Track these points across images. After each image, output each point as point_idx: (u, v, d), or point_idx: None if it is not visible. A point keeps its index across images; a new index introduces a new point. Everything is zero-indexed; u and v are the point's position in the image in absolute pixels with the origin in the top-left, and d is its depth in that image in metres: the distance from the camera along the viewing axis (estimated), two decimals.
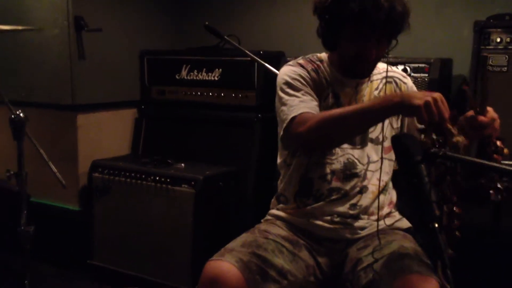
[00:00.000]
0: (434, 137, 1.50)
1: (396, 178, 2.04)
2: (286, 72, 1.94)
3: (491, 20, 2.65)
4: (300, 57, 2.01)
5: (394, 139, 1.55)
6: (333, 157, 1.93)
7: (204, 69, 3.42)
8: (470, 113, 1.58)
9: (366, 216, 1.95)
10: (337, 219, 1.93)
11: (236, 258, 1.74)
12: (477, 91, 1.59)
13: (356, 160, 1.94)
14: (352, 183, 1.93)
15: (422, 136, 1.52)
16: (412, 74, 2.76)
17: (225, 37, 2.73)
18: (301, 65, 1.95)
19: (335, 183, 1.93)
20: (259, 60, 2.70)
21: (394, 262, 1.72)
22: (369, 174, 1.95)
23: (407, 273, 1.64)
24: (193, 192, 2.97)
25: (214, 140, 3.39)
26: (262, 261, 1.77)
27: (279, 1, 3.69)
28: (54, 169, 2.44)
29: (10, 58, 3.56)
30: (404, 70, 2.73)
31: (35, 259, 2.53)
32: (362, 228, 1.94)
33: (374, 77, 2.00)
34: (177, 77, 3.52)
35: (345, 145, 1.93)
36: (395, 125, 2.00)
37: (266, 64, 2.63)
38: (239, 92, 3.30)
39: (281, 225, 1.99)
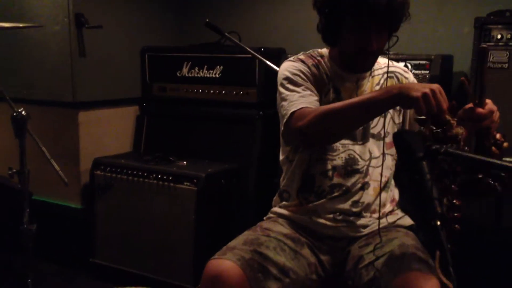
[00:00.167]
0: (433, 128, 1.50)
1: (398, 175, 2.04)
2: (287, 67, 1.94)
3: (492, 17, 2.65)
4: (301, 53, 2.01)
5: (396, 135, 1.55)
6: (335, 153, 1.93)
7: (205, 66, 3.42)
8: (469, 105, 1.58)
9: (368, 214, 1.95)
10: (339, 217, 1.93)
11: (238, 256, 1.74)
12: (476, 83, 1.59)
13: (357, 156, 1.94)
14: (354, 179, 1.93)
15: (422, 128, 1.52)
16: (413, 70, 2.75)
17: (226, 34, 2.73)
18: (302, 61, 1.95)
19: (337, 179, 1.93)
20: (260, 57, 2.70)
21: (395, 260, 1.72)
22: (371, 170, 1.95)
23: (407, 271, 1.65)
24: (195, 190, 2.98)
25: (216, 137, 3.39)
26: (264, 259, 1.77)
27: None
28: (56, 167, 2.44)
29: (10, 55, 3.55)
30: (405, 66, 2.73)
31: (37, 258, 2.53)
32: (365, 226, 1.94)
33: (376, 72, 1.99)
34: (178, 74, 3.52)
35: (347, 141, 1.93)
36: (397, 120, 2.00)
37: (267, 61, 2.63)
38: (240, 89, 3.30)
39: (283, 223, 1.99)
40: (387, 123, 1.95)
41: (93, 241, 3.33)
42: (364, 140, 1.95)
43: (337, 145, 1.93)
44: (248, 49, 2.70)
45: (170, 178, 3.06)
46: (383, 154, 1.93)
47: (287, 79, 1.91)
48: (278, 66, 2.08)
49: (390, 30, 1.85)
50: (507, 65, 2.56)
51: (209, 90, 3.42)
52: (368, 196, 1.94)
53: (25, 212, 2.40)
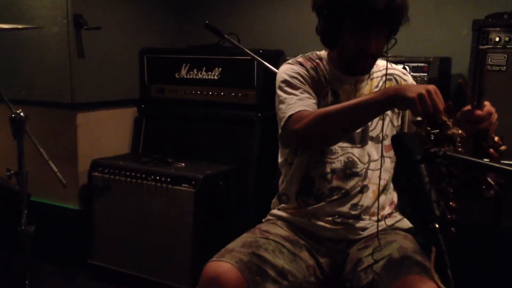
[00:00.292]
0: (429, 129, 1.50)
1: (397, 178, 2.04)
2: (285, 70, 1.94)
3: (490, 19, 2.65)
4: (300, 55, 2.01)
5: (394, 138, 1.55)
6: (333, 156, 1.93)
7: (204, 68, 3.42)
8: (468, 107, 1.59)
9: (367, 217, 1.95)
10: (338, 220, 1.93)
11: (236, 258, 1.74)
12: (475, 85, 1.59)
13: (356, 159, 1.94)
14: (353, 182, 1.93)
15: (418, 129, 1.52)
16: (412, 73, 2.76)
17: (225, 36, 2.73)
18: (300, 63, 1.95)
19: (336, 182, 1.93)
20: (258, 58, 2.70)
21: (394, 263, 1.72)
22: (370, 173, 1.95)
23: (406, 274, 1.64)
24: (193, 191, 2.97)
25: (214, 139, 3.39)
26: (262, 262, 1.77)
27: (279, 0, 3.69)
28: (55, 168, 2.44)
29: (9, 56, 3.56)
30: (403, 69, 2.73)
31: (35, 259, 2.53)
32: (364, 229, 1.94)
33: (374, 75, 1.99)
34: (177, 75, 3.53)
35: (346, 144, 1.93)
36: (395, 123, 2.00)
37: (266, 63, 2.63)
38: (239, 91, 3.31)
39: (282, 225, 1.99)
40: (385, 126, 1.95)
41: (91, 242, 3.33)
42: (363, 143, 1.95)
43: (336, 148, 1.93)
44: (247, 51, 2.70)
45: (168, 179, 3.05)
46: (382, 157, 1.93)
47: (285, 82, 1.91)
48: (277, 68, 2.08)
49: (389, 32, 1.85)
50: (505, 67, 2.56)
51: (207, 91, 3.42)
52: (367, 199, 1.94)
53: (23, 213, 2.40)
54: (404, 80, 2.04)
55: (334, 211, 1.93)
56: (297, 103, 1.83)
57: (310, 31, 1.96)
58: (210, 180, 3.04)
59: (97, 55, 3.43)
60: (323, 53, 2.01)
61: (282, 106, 1.87)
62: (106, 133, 3.59)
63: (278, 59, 3.01)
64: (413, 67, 2.79)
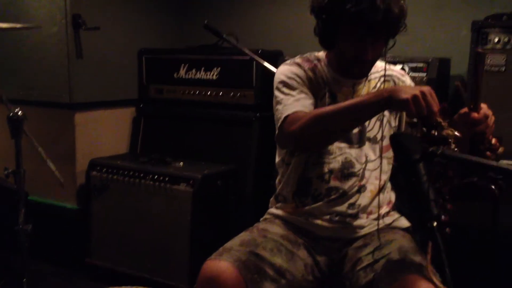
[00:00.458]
0: (424, 130, 1.50)
1: (395, 177, 2.04)
2: (283, 71, 1.94)
3: (489, 20, 2.65)
4: (298, 56, 2.00)
5: (393, 138, 1.55)
6: (331, 157, 1.93)
7: (203, 68, 3.42)
8: (464, 110, 1.59)
9: (365, 215, 1.95)
10: (336, 219, 1.93)
11: (235, 257, 1.74)
12: (472, 88, 1.59)
13: (353, 160, 1.94)
14: (350, 182, 1.93)
15: (413, 130, 1.52)
16: (410, 73, 2.75)
17: (224, 36, 2.72)
18: (298, 64, 1.95)
19: (333, 183, 1.93)
20: (257, 58, 2.69)
21: (394, 263, 1.72)
22: (367, 173, 1.95)
23: (406, 273, 1.64)
24: (191, 191, 2.97)
25: (213, 139, 3.39)
26: (260, 260, 1.77)
27: (278, 0, 3.69)
28: (53, 168, 2.44)
29: (8, 56, 3.55)
30: (402, 69, 2.73)
31: (33, 258, 2.53)
32: (361, 227, 1.94)
33: (372, 76, 1.99)
34: (175, 76, 3.52)
35: (343, 144, 1.93)
36: (393, 124, 2.00)
37: (265, 63, 2.63)
38: (238, 91, 3.30)
39: (279, 224, 1.99)
40: (383, 127, 1.95)
41: (89, 241, 3.32)
42: (360, 143, 1.95)
43: (333, 148, 1.93)
44: (246, 51, 2.69)
45: (167, 179, 3.05)
46: (380, 157, 1.93)
47: (282, 82, 1.91)
48: (276, 68, 2.08)
49: (387, 39, 1.85)
50: (504, 68, 2.56)
51: (206, 92, 3.42)
52: (364, 198, 1.94)
53: (21, 213, 2.40)
54: (402, 81, 2.03)
55: (331, 210, 1.93)
56: (293, 103, 1.84)
57: (309, 32, 1.95)
58: (208, 180, 3.04)
59: (95, 55, 3.43)
60: (322, 54, 2.01)
61: (279, 106, 1.87)
62: (105, 133, 3.58)
63: (277, 59, 3.01)
64: (412, 67, 2.79)
